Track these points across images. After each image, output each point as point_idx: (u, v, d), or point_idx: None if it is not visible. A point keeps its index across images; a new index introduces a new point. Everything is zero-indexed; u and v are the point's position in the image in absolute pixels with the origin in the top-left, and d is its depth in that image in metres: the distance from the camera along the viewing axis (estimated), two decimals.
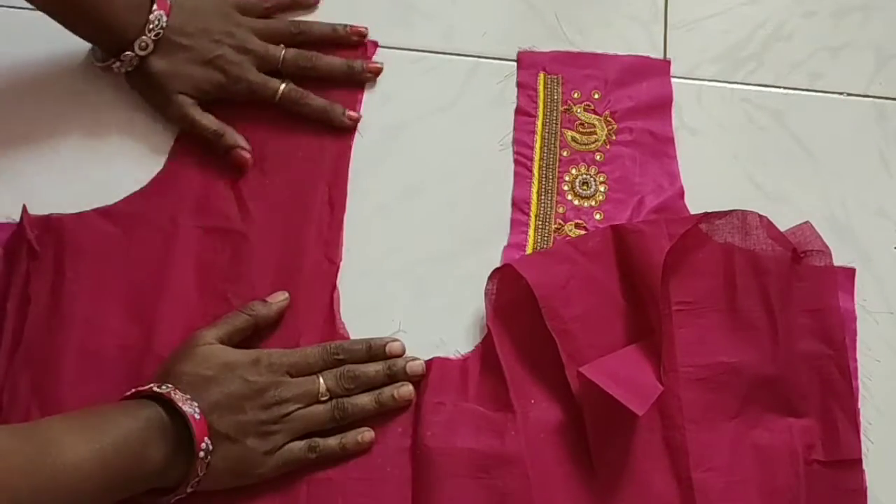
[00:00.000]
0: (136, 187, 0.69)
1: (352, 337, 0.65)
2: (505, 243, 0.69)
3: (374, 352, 0.64)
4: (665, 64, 0.77)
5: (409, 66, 0.76)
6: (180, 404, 0.56)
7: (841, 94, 0.77)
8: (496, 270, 0.65)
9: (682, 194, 0.71)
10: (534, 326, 0.64)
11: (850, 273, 0.69)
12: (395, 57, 0.76)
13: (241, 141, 0.70)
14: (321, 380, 0.61)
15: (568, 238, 0.68)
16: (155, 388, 0.57)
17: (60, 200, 0.67)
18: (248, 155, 0.70)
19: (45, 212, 0.67)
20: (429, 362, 0.64)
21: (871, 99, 0.77)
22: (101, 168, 0.70)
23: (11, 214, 0.67)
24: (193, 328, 0.62)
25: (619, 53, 0.77)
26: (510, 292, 0.65)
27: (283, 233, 0.68)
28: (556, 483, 0.60)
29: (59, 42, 0.73)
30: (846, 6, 0.81)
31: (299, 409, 0.60)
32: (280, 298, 0.65)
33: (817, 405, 0.64)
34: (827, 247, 0.68)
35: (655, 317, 0.63)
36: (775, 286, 0.65)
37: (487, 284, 0.65)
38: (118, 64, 0.68)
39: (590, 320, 0.64)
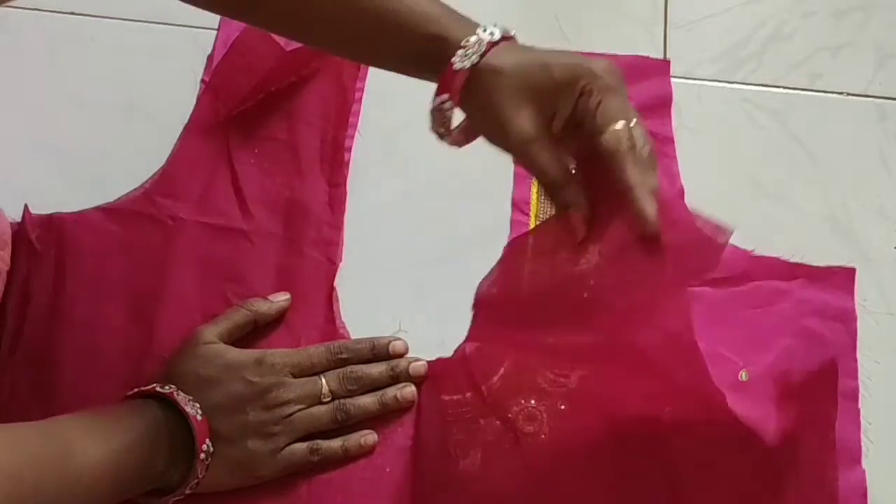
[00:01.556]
0: (137, 186, 0.69)
1: (352, 337, 0.65)
2: (505, 243, 0.69)
3: (378, 351, 0.63)
4: (665, 64, 0.77)
5: None
6: (183, 405, 0.56)
7: (841, 94, 0.77)
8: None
9: (682, 195, 0.71)
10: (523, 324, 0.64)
11: (850, 273, 0.69)
12: None
13: (581, 200, 0.52)
14: (324, 381, 0.61)
15: None
16: (158, 389, 0.57)
17: (61, 200, 0.67)
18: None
19: (46, 211, 0.67)
20: (429, 363, 0.64)
21: (871, 99, 0.77)
22: (101, 167, 0.70)
23: (12, 214, 0.67)
24: (193, 328, 0.62)
25: (619, 53, 0.76)
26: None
27: (283, 233, 0.68)
28: (555, 483, 0.60)
29: (60, 42, 0.73)
30: (846, 6, 0.81)
31: (301, 409, 0.60)
32: (281, 298, 0.65)
33: None
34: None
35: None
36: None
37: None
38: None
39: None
